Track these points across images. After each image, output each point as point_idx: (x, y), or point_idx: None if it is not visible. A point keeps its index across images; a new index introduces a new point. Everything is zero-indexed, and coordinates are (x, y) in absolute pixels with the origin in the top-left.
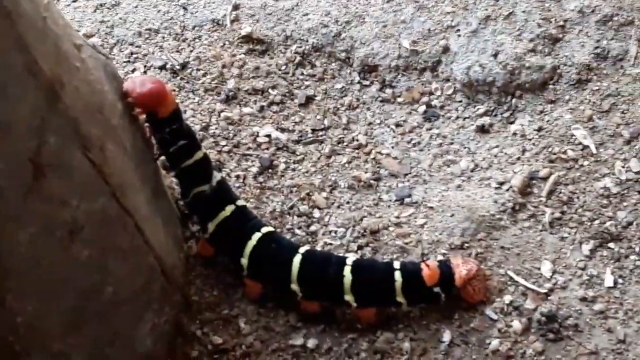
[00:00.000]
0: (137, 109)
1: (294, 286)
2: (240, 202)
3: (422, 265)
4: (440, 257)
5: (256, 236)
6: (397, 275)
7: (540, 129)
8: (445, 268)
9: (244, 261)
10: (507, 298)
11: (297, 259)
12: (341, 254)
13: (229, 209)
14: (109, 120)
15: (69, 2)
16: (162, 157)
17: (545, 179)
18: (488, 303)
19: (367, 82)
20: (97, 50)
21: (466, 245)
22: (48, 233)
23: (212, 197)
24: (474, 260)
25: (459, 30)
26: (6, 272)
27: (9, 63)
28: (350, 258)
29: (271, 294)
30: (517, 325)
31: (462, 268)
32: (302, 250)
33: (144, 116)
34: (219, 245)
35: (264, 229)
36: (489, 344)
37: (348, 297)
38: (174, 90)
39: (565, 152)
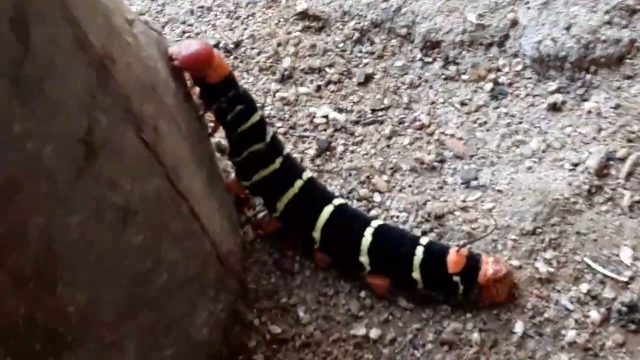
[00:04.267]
0: (183, 72)
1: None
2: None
3: (451, 250)
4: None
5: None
6: (419, 250)
7: (617, 107)
8: (473, 261)
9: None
10: (584, 287)
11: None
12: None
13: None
14: (162, 99)
15: None
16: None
17: (623, 159)
18: (561, 292)
19: (430, 59)
20: (149, 27)
21: (538, 230)
22: (100, 217)
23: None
24: (506, 264)
25: (528, 2)
26: (57, 258)
27: (58, 37)
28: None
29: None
30: (595, 315)
31: (490, 267)
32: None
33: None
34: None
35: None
36: (565, 335)
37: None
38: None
39: None
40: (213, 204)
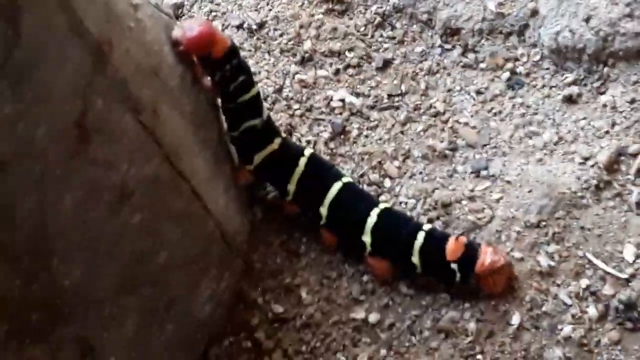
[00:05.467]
0: (191, 54)
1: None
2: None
3: (450, 238)
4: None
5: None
6: (420, 235)
7: (633, 101)
8: (472, 250)
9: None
10: (584, 282)
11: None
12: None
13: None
14: (165, 83)
15: None
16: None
17: (635, 155)
18: (560, 286)
19: (449, 46)
20: (159, 10)
21: (543, 223)
22: (95, 197)
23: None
24: (505, 255)
25: None
26: (52, 234)
27: (51, 24)
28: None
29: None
30: (592, 311)
31: (487, 257)
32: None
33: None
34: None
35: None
36: (561, 329)
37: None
38: (249, 50)
39: None
40: (218, 185)
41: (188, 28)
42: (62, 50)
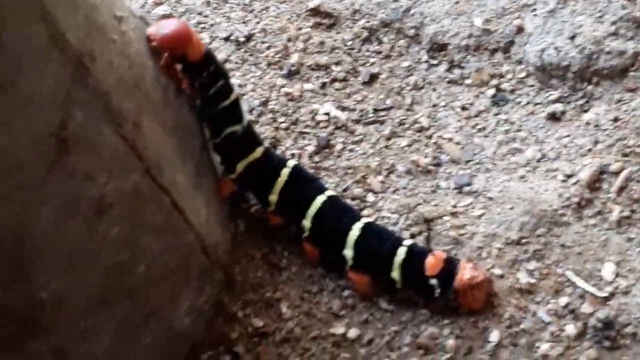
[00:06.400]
0: (162, 52)
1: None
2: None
3: (430, 254)
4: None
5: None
6: (401, 250)
7: (616, 119)
8: (451, 265)
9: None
10: (563, 300)
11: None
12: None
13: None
14: (147, 95)
15: None
16: None
17: (616, 173)
18: (539, 304)
19: (435, 62)
20: (144, 22)
21: (524, 240)
22: (73, 209)
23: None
24: (485, 271)
25: (535, 9)
26: (30, 246)
27: (32, 35)
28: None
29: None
30: (571, 329)
31: (467, 272)
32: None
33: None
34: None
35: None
36: (539, 347)
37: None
38: (237, 63)
39: None
40: (200, 197)
41: (163, 26)
42: (41, 62)
